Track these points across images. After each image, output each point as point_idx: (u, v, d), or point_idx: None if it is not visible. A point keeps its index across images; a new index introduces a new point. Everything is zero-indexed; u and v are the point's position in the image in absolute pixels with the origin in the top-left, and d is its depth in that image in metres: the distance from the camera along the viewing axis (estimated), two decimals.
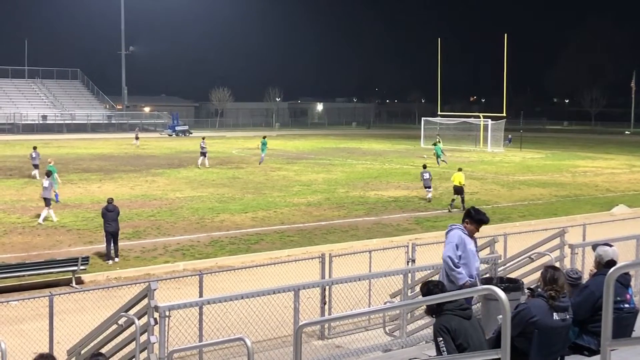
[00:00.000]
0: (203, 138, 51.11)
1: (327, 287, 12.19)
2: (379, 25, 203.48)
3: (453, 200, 30.32)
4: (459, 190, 30.18)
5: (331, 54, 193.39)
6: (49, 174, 27.78)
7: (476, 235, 9.00)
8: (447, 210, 29.75)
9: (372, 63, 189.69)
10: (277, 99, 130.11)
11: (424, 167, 34.39)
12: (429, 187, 32.70)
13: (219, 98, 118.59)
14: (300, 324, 7.29)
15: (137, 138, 67.93)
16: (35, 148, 41.27)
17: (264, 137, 52.51)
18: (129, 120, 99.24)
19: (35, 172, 38.89)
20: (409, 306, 11.15)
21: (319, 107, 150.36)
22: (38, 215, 26.11)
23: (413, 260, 13.73)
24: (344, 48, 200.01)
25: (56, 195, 29.87)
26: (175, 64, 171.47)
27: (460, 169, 31.89)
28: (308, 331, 12.32)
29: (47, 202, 26.21)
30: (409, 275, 12.03)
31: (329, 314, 12.24)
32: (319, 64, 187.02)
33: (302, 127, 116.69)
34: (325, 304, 12.29)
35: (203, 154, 47.23)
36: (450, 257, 8.55)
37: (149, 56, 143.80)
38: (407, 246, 14.24)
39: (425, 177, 32.64)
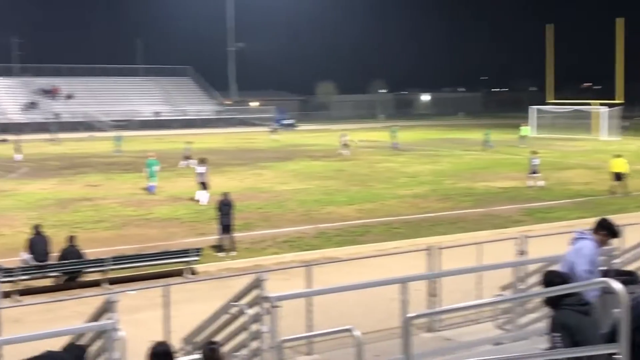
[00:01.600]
0: (344, 131, 55.68)
1: (435, 280, 12.05)
2: (486, 13, 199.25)
3: (620, 186, 30.90)
4: (620, 176, 30.84)
5: (437, 43, 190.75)
6: (203, 160, 30.43)
7: None
8: (609, 195, 30.43)
9: (480, 51, 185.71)
10: (382, 91, 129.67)
11: (534, 152, 33.72)
12: (536, 173, 32.44)
13: (325, 91, 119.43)
14: (408, 315, 7.25)
15: (272, 131, 72.24)
16: (189, 142, 45.84)
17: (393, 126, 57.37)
18: (237, 115, 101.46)
19: (186, 162, 41.69)
20: (521, 299, 10.89)
21: (425, 97, 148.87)
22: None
23: (524, 253, 13.37)
24: (450, 38, 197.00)
25: (152, 187, 31.60)
26: (282, 59, 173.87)
27: (619, 156, 32.13)
28: (416, 323, 12.19)
29: (203, 185, 29.07)
30: (520, 267, 11.72)
31: (438, 306, 12.09)
32: (424, 54, 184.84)
33: (408, 118, 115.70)
34: (433, 296, 12.15)
35: (345, 145, 50.94)
36: (586, 272, 7.94)
37: (258, 52, 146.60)
38: (518, 238, 13.87)
39: (534, 163, 32.67)
